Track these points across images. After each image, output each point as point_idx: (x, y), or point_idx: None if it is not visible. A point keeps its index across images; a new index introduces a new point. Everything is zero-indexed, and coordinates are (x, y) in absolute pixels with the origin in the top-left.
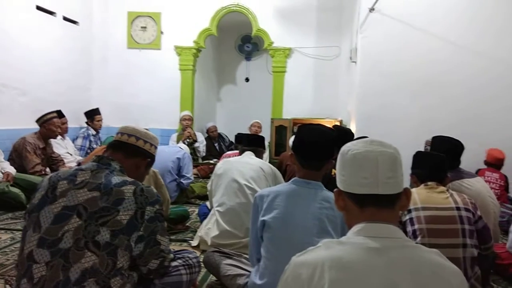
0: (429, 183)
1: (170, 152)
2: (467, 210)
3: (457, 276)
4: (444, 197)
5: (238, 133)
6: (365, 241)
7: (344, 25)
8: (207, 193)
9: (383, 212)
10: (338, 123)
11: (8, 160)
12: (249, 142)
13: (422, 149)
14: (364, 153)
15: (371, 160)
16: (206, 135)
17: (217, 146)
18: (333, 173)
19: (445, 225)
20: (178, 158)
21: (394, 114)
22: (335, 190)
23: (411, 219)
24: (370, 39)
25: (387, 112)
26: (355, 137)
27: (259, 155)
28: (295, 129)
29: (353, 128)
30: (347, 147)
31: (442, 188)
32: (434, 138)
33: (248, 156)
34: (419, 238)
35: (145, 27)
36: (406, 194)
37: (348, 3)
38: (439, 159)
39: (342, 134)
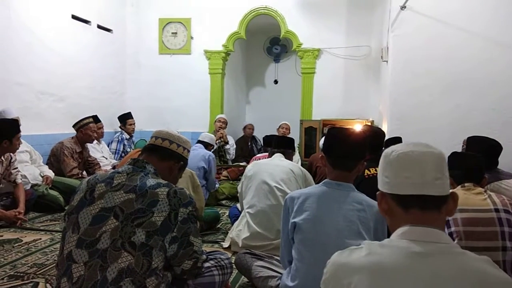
0: (466, 184)
1: (194, 158)
2: (506, 211)
3: (506, 287)
4: (481, 199)
5: (266, 136)
6: (408, 245)
7: (374, 24)
8: (238, 195)
9: (428, 215)
10: (369, 124)
11: (47, 164)
12: (279, 144)
13: (458, 149)
14: (409, 153)
15: (417, 159)
16: (243, 133)
17: (250, 146)
18: (366, 175)
19: (483, 228)
20: (204, 163)
21: (427, 114)
22: (377, 193)
23: (447, 221)
24: (402, 37)
25: (420, 112)
26: (386, 137)
27: (289, 157)
28: (325, 131)
29: (385, 128)
30: (390, 149)
31: (479, 189)
32: (470, 138)
33: (278, 158)
34: (455, 241)
35: (175, 33)
36: (453, 198)
37: (378, 2)
38: (476, 159)
39: (374, 135)
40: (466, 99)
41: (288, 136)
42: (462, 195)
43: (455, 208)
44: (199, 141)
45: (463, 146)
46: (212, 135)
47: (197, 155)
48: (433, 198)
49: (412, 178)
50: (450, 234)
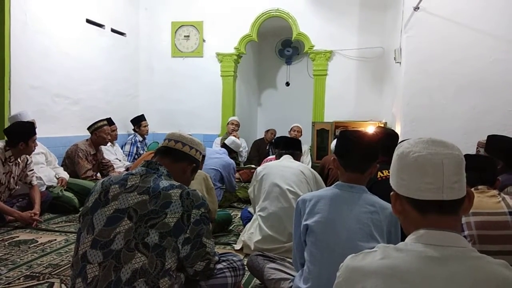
0: (479, 187)
1: (217, 162)
2: None
3: None
4: (495, 201)
5: (276, 137)
6: (424, 249)
7: (387, 25)
8: (249, 197)
9: (446, 219)
10: (382, 126)
11: (62, 165)
12: (287, 145)
13: (473, 152)
14: (428, 156)
15: (436, 164)
16: (260, 136)
17: (267, 149)
18: (379, 177)
19: (497, 231)
20: (223, 170)
21: (441, 116)
22: (391, 193)
23: (460, 225)
24: (415, 38)
25: (433, 114)
26: (400, 140)
27: (297, 158)
28: (337, 133)
29: (398, 130)
30: (406, 148)
31: (493, 192)
32: (490, 137)
33: (287, 159)
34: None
35: (188, 36)
36: (469, 197)
37: (391, 3)
38: (489, 161)
39: (387, 137)
40: (481, 100)
41: (298, 138)
42: (475, 198)
43: (470, 206)
44: (224, 145)
45: (477, 148)
46: (239, 142)
47: (220, 161)
48: (451, 202)
49: (432, 184)
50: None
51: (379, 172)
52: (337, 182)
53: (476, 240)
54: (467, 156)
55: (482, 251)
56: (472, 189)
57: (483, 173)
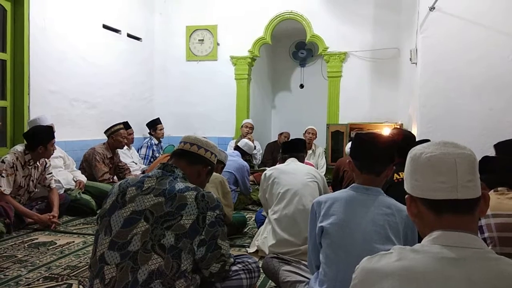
0: (499, 188)
1: (230, 166)
2: None
3: None
4: None
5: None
6: (441, 251)
7: (402, 25)
8: (261, 201)
9: (462, 219)
10: (398, 127)
11: (79, 169)
12: (289, 149)
13: (491, 153)
14: (440, 156)
15: (449, 163)
16: (274, 139)
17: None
18: (395, 179)
19: None
20: (237, 173)
21: (458, 117)
22: (406, 196)
23: (480, 227)
24: (431, 39)
25: (450, 115)
26: (417, 141)
27: (301, 160)
28: (352, 135)
29: (414, 131)
30: (418, 150)
31: None
32: (500, 143)
33: (294, 162)
34: (489, 247)
35: (202, 40)
36: (484, 198)
37: (406, 3)
38: (509, 162)
39: (404, 138)
40: (498, 100)
41: (312, 140)
42: (495, 200)
43: (486, 208)
44: (238, 147)
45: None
46: (252, 144)
47: (233, 163)
48: (466, 202)
49: (445, 183)
50: (484, 240)
51: (395, 174)
52: (353, 184)
53: (496, 242)
54: (486, 158)
55: (502, 254)
56: (492, 190)
57: (503, 175)
